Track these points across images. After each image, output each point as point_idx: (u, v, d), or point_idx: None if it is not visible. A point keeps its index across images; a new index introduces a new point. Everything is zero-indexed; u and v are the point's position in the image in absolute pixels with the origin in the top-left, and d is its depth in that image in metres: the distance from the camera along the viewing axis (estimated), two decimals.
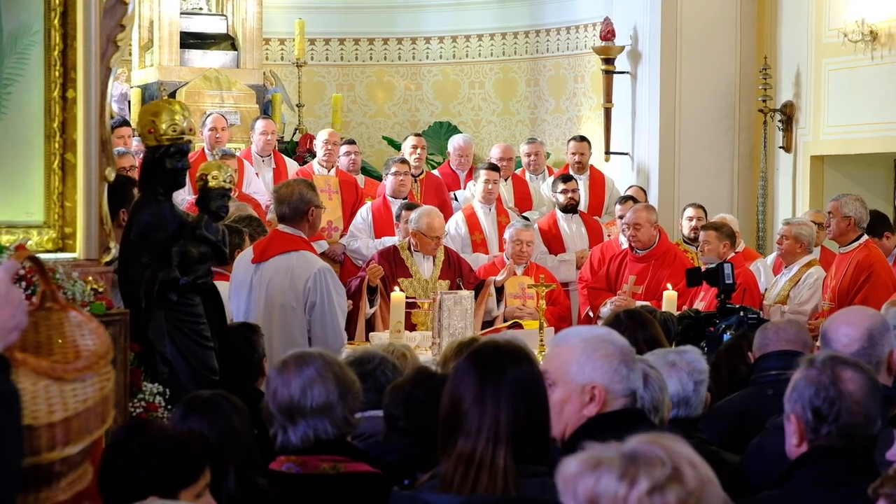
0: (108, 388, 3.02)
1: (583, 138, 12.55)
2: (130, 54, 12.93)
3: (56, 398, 2.85)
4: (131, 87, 12.81)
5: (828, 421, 3.50)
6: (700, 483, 2.30)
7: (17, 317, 2.72)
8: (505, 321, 9.60)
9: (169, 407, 5.46)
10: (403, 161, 11.23)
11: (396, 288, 8.89)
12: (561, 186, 11.40)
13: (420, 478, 3.47)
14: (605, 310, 9.42)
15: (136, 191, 6.14)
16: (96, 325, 3.08)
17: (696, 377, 4.79)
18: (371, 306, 9.25)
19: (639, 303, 9.06)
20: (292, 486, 3.97)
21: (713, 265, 8.08)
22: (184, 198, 9.57)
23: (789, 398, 3.58)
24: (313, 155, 11.97)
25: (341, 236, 11.21)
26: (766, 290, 9.59)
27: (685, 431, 4.60)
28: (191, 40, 13.11)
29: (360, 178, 12.12)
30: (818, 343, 7.29)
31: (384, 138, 14.63)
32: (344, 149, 12.00)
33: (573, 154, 12.32)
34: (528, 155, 12.50)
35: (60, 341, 3.03)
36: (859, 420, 3.52)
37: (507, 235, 10.12)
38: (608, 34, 12.95)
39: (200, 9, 13.42)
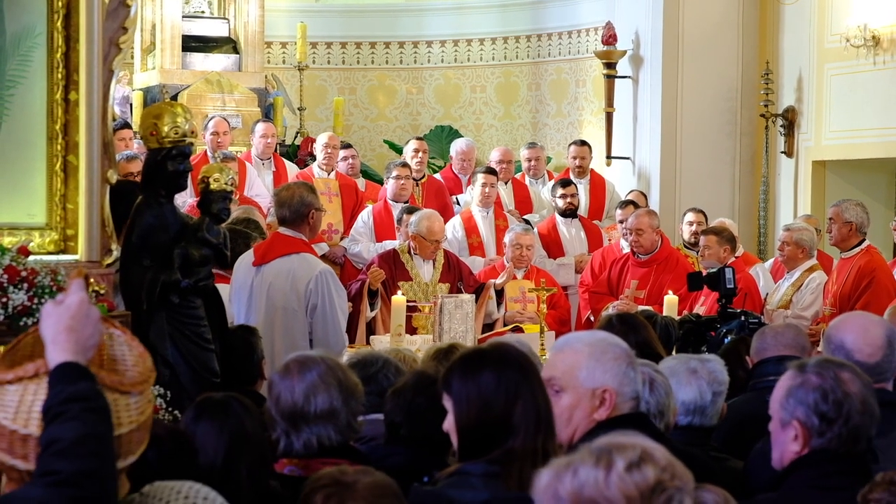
0: (150, 411, 3.12)
1: (583, 142, 12.55)
2: (132, 57, 12.94)
3: (122, 411, 2.99)
4: (133, 90, 12.81)
5: (837, 423, 3.48)
6: (669, 461, 2.40)
7: (95, 336, 2.94)
8: (505, 325, 9.60)
9: (170, 409, 5.47)
10: (405, 165, 11.22)
11: (399, 291, 8.89)
12: (560, 191, 11.40)
13: (436, 476, 3.48)
14: (608, 314, 9.42)
15: None
16: (137, 343, 3.18)
17: (715, 388, 4.76)
18: (371, 309, 9.25)
19: (640, 307, 9.06)
20: (294, 488, 3.97)
21: (714, 270, 8.08)
22: (185, 200, 9.58)
23: (785, 405, 3.55)
24: (314, 158, 11.98)
25: (341, 239, 11.22)
26: (766, 294, 9.59)
27: (698, 440, 4.59)
28: (193, 43, 13.12)
29: (361, 182, 12.11)
30: (819, 348, 7.28)
31: (385, 142, 14.64)
32: (342, 153, 11.99)
33: (574, 158, 12.33)
34: (529, 160, 12.50)
35: (109, 355, 3.14)
36: (866, 421, 3.51)
37: (507, 239, 10.12)
38: (610, 38, 12.94)
39: (202, 12, 13.43)
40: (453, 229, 10.92)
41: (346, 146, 12.26)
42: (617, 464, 2.36)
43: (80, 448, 2.76)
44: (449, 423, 3.49)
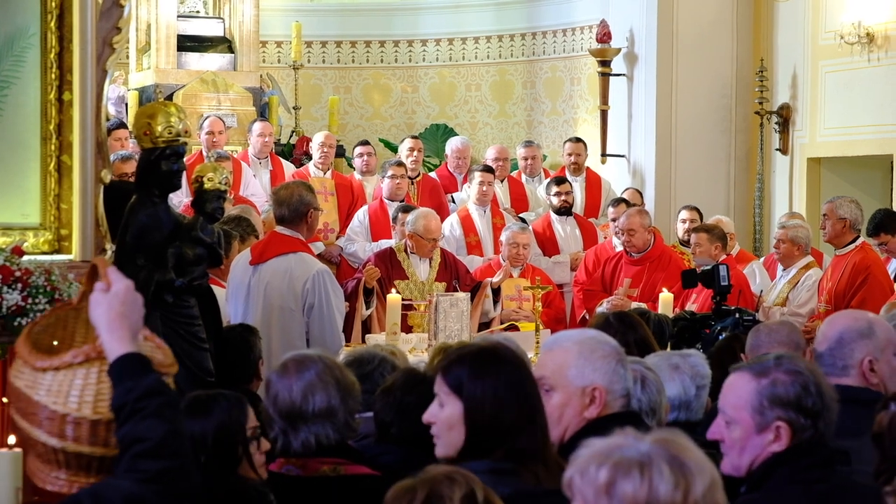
0: None
1: (578, 139, 12.56)
2: (128, 57, 12.96)
3: None
4: (128, 90, 12.81)
5: (823, 415, 3.44)
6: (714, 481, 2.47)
7: (141, 321, 3.04)
8: (501, 323, 9.60)
9: None
10: (400, 164, 11.23)
11: (393, 290, 8.90)
12: (554, 189, 11.40)
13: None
14: (601, 309, 9.42)
15: None
16: (149, 333, 3.25)
17: (698, 381, 4.77)
18: (367, 308, 9.26)
19: (634, 304, 9.07)
20: (292, 487, 3.96)
21: (708, 267, 8.10)
22: (180, 199, 9.58)
23: (759, 409, 3.43)
24: (310, 157, 11.98)
25: (337, 238, 11.22)
26: (761, 291, 9.60)
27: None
28: (188, 43, 13.12)
29: (376, 179, 11.91)
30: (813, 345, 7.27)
31: (381, 141, 14.63)
32: (357, 150, 12.01)
33: (569, 155, 12.34)
34: (525, 158, 12.50)
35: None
36: (836, 406, 3.48)
37: (503, 238, 10.12)
38: (604, 36, 12.95)
39: (197, 12, 13.43)
40: (451, 227, 10.93)
41: (364, 143, 12.24)
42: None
43: (165, 448, 2.87)
44: (438, 416, 3.42)
